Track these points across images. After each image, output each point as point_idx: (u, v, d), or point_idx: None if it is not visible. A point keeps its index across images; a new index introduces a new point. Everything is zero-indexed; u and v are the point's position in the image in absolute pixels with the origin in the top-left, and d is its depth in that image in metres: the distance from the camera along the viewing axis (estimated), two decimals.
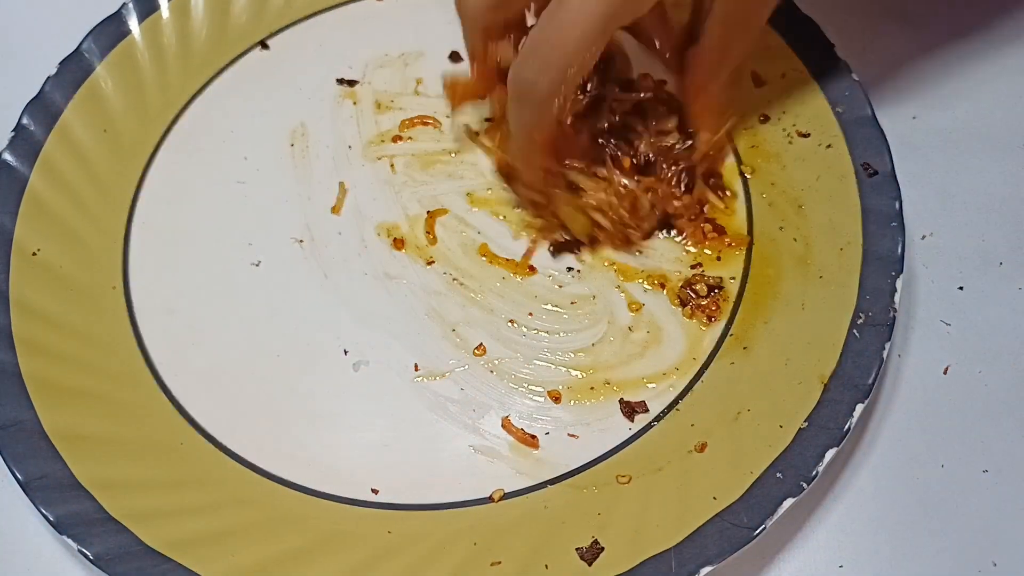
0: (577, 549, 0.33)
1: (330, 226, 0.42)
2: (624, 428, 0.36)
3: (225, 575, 0.32)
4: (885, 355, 0.35)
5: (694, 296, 0.39)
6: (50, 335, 0.38)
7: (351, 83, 0.46)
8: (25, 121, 0.42)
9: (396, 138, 0.45)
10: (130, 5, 0.46)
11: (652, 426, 0.36)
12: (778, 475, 0.33)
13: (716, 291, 0.39)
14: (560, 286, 0.40)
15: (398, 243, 0.41)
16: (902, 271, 0.37)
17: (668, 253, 0.40)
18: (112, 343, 0.39)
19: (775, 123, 0.43)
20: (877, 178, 0.39)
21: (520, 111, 0.36)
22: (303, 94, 0.46)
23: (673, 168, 0.40)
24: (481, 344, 0.39)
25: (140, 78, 0.45)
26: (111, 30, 0.45)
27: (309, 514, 0.35)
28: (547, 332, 0.39)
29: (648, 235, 0.41)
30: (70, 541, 0.32)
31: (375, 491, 0.35)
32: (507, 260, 0.41)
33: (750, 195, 0.41)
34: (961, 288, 0.40)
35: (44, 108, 0.43)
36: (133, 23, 0.46)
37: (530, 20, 0.39)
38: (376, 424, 0.37)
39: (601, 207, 0.39)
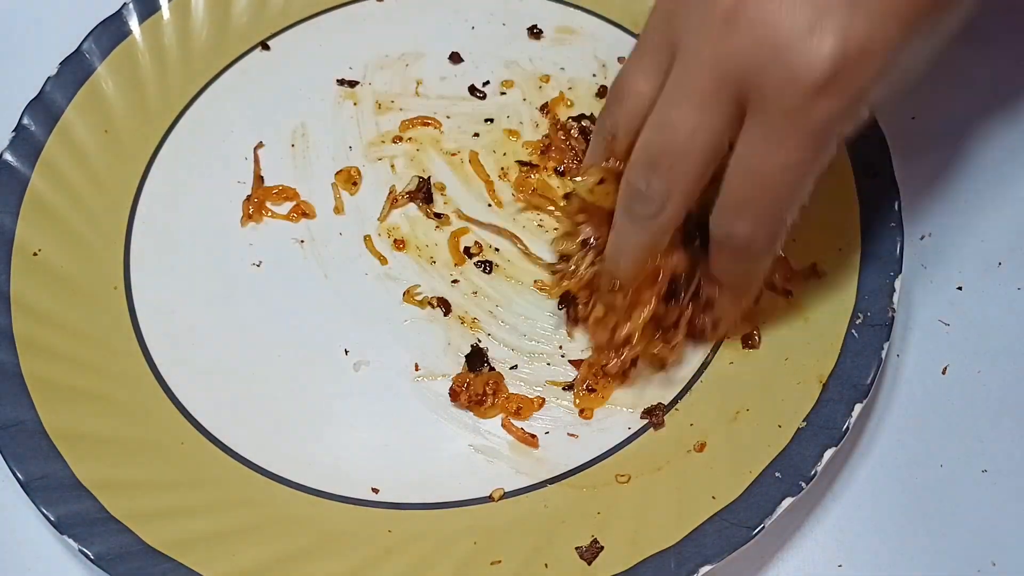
0: (577, 548, 0.33)
1: (331, 226, 0.42)
2: (624, 428, 0.36)
3: (226, 575, 0.32)
4: (884, 355, 0.35)
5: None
6: (51, 335, 0.38)
7: (351, 84, 0.46)
8: (26, 121, 0.42)
9: (396, 139, 0.45)
10: (131, 5, 0.46)
11: (651, 426, 0.36)
12: (777, 475, 0.33)
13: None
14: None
15: (399, 244, 0.42)
16: (901, 271, 0.37)
17: None
18: (113, 343, 0.39)
19: None
20: (876, 178, 0.39)
21: (734, 266, 0.33)
22: (303, 95, 0.46)
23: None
24: (481, 344, 0.39)
25: (141, 78, 0.45)
26: (112, 30, 0.46)
27: (310, 514, 0.35)
28: (547, 334, 0.39)
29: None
30: (71, 541, 0.32)
31: (375, 490, 0.35)
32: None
33: None
34: (960, 288, 0.40)
35: (45, 108, 0.43)
36: (134, 23, 0.46)
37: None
38: (376, 424, 0.37)
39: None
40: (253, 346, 0.39)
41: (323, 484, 0.35)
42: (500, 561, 0.33)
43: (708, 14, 0.29)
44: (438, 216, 0.42)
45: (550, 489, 0.35)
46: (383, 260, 0.41)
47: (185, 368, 0.38)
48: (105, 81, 0.45)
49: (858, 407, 0.34)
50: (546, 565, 0.33)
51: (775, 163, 0.29)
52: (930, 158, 0.44)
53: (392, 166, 0.44)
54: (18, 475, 0.34)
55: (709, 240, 0.33)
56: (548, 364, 0.38)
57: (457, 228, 0.42)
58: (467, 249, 0.41)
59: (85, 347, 0.38)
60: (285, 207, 0.43)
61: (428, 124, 0.45)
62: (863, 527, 0.35)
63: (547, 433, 0.36)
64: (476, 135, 0.45)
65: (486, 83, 0.46)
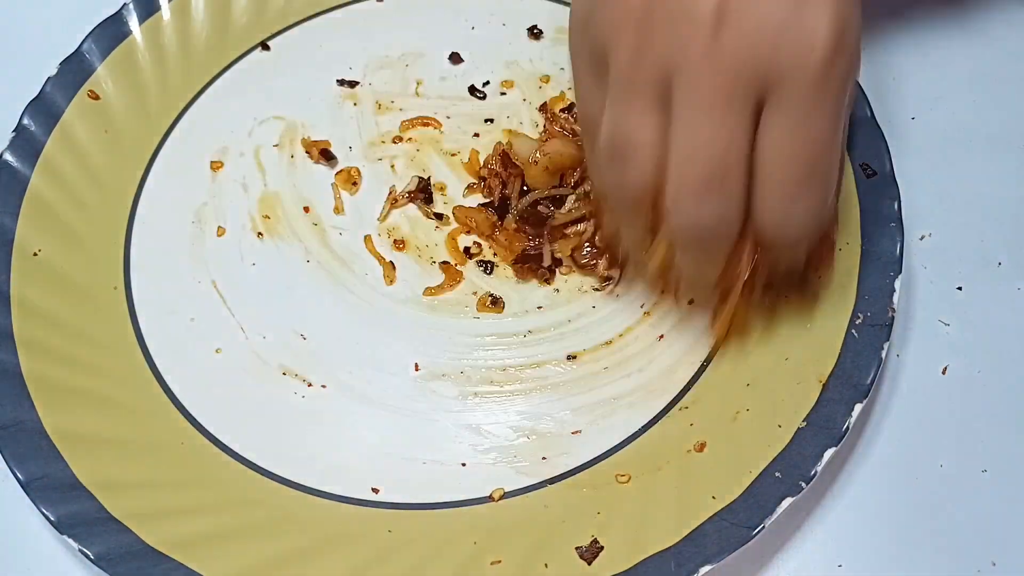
0: (577, 548, 0.33)
1: (331, 227, 0.42)
2: (624, 427, 0.36)
3: (226, 575, 0.32)
4: (884, 355, 0.35)
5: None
6: (51, 335, 0.38)
7: (352, 84, 0.46)
8: (26, 121, 0.42)
9: (396, 139, 0.45)
10: (131, 6, 0.46)
11: (651, 425, 0.36)
12: (777, 474, 0.33)
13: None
14: (557, 290, 0.40)
15: (399, 244, 0.42)
16: (901, 271, 0.37)
17: None
18: (113, 343, 0.39)
19: None
20: (876, 178, 0.39)
21: (786, 255, 0.33)
22: (303, 95, 0.46)
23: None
24: (482, 344, 0.39)
25: (141, 79, 0.45)
26: (112, 31, 0.45)
27: (310, 514, 0.35)
28: (547, 336, 0.39)
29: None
30: (71, 541, 0.32)
31: (375, 490, 0.35)
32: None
33: None
34: (960, 288, 0.40)
35: (45, 109, 0.43)
36: (134, 24, 0.46)
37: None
38: (376, 424, 0.37)
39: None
40: (253, 346, 0.39)
41: (323, 484, 0.35)
42: (500, 561, 0.33)
43: (693, 24, 0.28)
44: (438, 216, 0.42)
45: (550, 489, 0.35)
46: (383, 260, 0.41)
47: (184, 368, 0.38)
48: (105, 81, 0.45)
49: (858, 407, 0.34)
50: (546, 565, 0.33)
51: (814, 137, 0.29)
52: (930, 158, 0.44)
53: (392, 166, 0.44)
54: (18, 475, 0.34)
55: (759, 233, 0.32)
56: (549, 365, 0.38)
57: (457, 228, 0.42)
58: (467, 249, 0.41)
59: (85, 347, 0.38)
60: (287, 207, 0.43)
61: (428, 124, 0.45)
62: (863, 527, 0.35)
63: (547, 433, 0.36)
64: (476, 135, 0.45)
65: (486, 83, 0.46)
